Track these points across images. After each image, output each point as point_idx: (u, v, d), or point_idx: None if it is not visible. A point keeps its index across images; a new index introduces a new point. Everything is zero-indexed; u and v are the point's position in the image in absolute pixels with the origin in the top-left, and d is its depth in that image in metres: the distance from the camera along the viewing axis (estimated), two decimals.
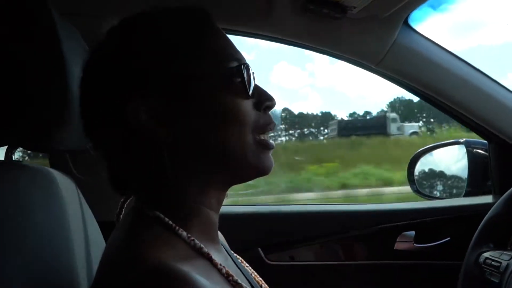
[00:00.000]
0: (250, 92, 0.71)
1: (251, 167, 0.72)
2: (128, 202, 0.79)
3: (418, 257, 1.61)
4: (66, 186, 0.97)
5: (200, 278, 0.57)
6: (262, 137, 0.73)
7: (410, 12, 1.36)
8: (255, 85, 0.73)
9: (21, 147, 0.85)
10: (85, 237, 0.98)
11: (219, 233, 0.91)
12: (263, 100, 0.74)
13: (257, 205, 1.68)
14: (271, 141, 0.74)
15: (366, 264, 1.63)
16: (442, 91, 1.52)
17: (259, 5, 1.35)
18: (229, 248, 0.87)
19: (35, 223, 0.79)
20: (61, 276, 0.82)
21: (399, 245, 1.62)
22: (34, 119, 0.77)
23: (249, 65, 0.72)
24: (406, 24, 1.42)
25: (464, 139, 1.75)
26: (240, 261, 0.86)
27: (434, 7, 1.49)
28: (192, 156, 0.69)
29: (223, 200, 0.76)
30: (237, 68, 0.70)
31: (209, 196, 0.72)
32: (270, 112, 0.76)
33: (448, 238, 1.61)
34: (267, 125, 0.73)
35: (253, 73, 0.73)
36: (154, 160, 0.68)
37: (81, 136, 0.75)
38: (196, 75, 0.69)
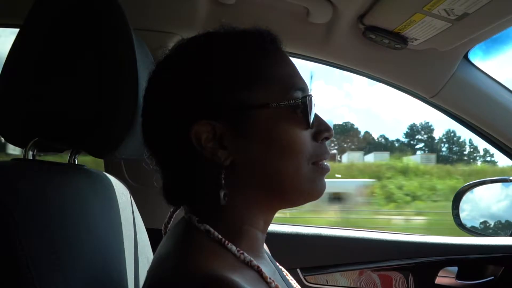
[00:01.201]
0: (311, 124, 0.72)
1: (304, 193, 0.73)
2: (177, 212, 0.82)
3: None
4: (121, 192, 1.00)
5: None
6: (321, 163, 0.73)
7: (471, 48, 1.35)
8: (316, 115, 0.73)
9: (87, 152, 0.88)
10: (135, 244, 1.00)
11: (266, 247, 0.92)
12: (322, 131, 0.74)
13: (299, 226, 1.68)
14: (326, 164, 0.75)
15: None
16: (498, 128, 1.49)
17: (319, 30, 1.37)
18: (275, 262, 0.88)
19: (93, 226, 0.82)
20: (111, 281, 0.84)
21: (440, 280, 1.58)
22: (105, 127, 0.80)
23: (312, 96, 0.73)
24: (466, 58, 1.41)
25: None
26: (285, 274, 0.87)
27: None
28: (248, 181, 0.71)
29: (271, 221, 0.77)
30: (303, 101, 0.71)
31: (258, 218, 0.73)
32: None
33: (492, 278, 1.56)
34: (323, 155, 0.74)
35: (315, 104, 0.74)
36: (210, 180, 0.70)
37: (141, 146, 0.78)
38: (260, 103, 0.69)
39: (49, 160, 0.85)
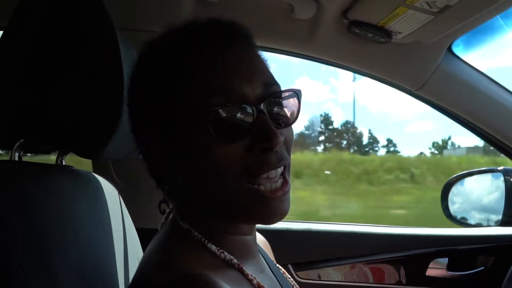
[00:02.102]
0: (232, 138, 0.63)
1: (251, 217, 0.67)
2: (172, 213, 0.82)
3: (450, 284, 1.59)
4: (109, 192, 1.00)
5: (227, 287, 0.58)
6: (255, 186, 0.64)
7: (455, 39, 1.37)
8: (250, 124, 0.64)
9: (74, 153, 0.88)
10: (124, 244, 1.00)
11: (267, 244, 0.92)
12: (258, 141, 0.64)
13: (289, 222, 1.68)
14: (267, 185, 0.65)
15: None
16: (482, 118, 1.51)
17: (304, 26, 1.38)
18: (271, 259, 0.87)
19: (82, 227, 0.82)
20: (102, 281, 0.85)
21: (431, 271, 1.60)
22: (92, 128, 0.80)
23: (242, 103, 0.63)
24: (450, 50, 1.42)
25: (502, 167, 1.72)
26: (282, 272, 0.86)
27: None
28: (192, 201, 0.71)
29: (252, 227, 0.75)
30: (215, 111, 0.62)
31: (230, 227, 0.71)
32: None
33: (483, 268, 1.58)
34: (259, 169, 0.64)
35: (254, 108, 0.64)
36: (172, 182, 0.71)
37: (128, 146, 0.78)
38: (179, 111, 0.65)
39: (38, 161, 0.85)
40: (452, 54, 1.44)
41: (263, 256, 0.82)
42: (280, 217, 0.66)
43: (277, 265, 0.87)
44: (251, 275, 0.67)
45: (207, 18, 0.70)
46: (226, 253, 0.67)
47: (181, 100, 0.65)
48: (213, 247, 0.67)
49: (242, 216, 0.67)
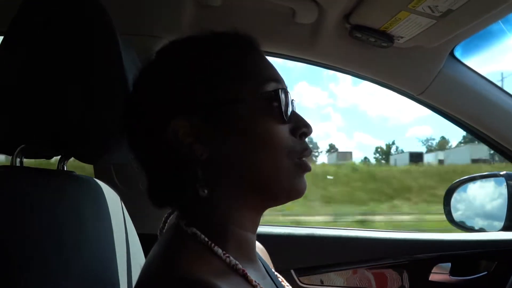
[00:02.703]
0: (287, 117, 0.72)
1: (284, 191, 0.73)
2: (171, 217, 0.81)
3: None
4: (111, 197, 1.00)
5: None
6: (302, 160, 0.73)
7: (457, 44, 1.37)
8: (293, 111, 0.74)
9: (75, 158, 0.87)
10: (127, 249, 1.00)
11: (265, 251, 0.92)
12: (300, 126, 0.74)
13: (292, 227, 1.68)
14: (309, 163, 0.74)
15: None
16: (485, 123, 1.50)
17: (305, 31, 1.38)
18: (270, 267, 0.88)
19: (83, 233, 0.82)
20: (103, 286, 0.84)
21: (434, 277, 1.59)
22: (94, 133, 0.80)
23: (288, 90, 0.74)
24: (452, 55, 1.42)
25: (505, 172, 1.71)
26: (280, 280, 0.86)
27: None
28: (227, 177, 0.71)
29: (259, 221, 0.77)
30: (275, 92, 0.71)
31: (244, 218, 0.73)
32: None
33: (485, 273, 1.57)
34: (303, 151, 0.74)
35: (292, 100, 0.75)
36: (189, 177, 0.70)
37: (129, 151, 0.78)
38: (235, 98, 0.71)
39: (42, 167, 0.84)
40: (455, 58, 1.44)
41: (262, 264, 0.82)
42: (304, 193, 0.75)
43: (275, 272, 0.87)
44: (255, 281, 0.67)
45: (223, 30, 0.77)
46: (231, 257, 0.67)
47: (235, 88, 0.71)
48: (219, 251, 0.67)
49: (280, 189, 0.73)
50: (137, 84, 0.76)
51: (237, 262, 0.67)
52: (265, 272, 0.81)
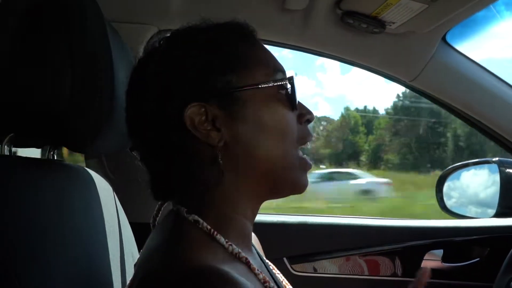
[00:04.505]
0: (295, 105, 0.74)
1: (291, 182, 0.75)
2: (165, 205, 0.81)
3: (445, 276, 1.58)
4: (103, 187, 0.99)
5: (241, 278, 0.58)
6: (304, 156, 0.76)
7: (449, 29, 1.36)
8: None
9: (64, 146, 0.87)
10: (119, 239, 1.00)
11: (257, 240, 0.92)
12: (305, 113, 0.77)
13: (284, 215, 1.68)
14: (310, 161, 0.77)
15: (390, 280, 1.61)
16: (477, 109, 1.50)
17: (296, 17, 1.37)
18: (263, 255, 0.88)
19: (75, 222, 0.81)
20: (96, 276, 0.84)
21: (426, 263, 1.60)
22: (81, 120, 0.79)
23: (293, 78, 0.75)
24: (444, 40, 1.42)
25: (497, 158, 1.71)
26: (271, 268, 0.87)
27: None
28: (239, 164, 0.71)
29: (257, 211, 0.78)
30: (289, 80, 0.74)
31: (246, 206, 0.74)
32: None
33: (478, 259, 1.58)
34: (307, 137, 0.77)
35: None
36: (202, 164, 0.70)
37: (121, 140, 0.77)
38: (249, 84, 0.71)
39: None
40: (447, 44, 1.43)
41: (257, 252, 0.83)
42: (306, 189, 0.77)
43: (267, 260, 0.87)
44: (257, 270, 0.67)
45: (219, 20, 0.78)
46: (234, 245, 0.67)
47: (249, 75, 0.72)
48: (222, 239, 0.67)
49: (287, 179, 0.74)
50: (141, 73, 0.74)
51: (239, 250, 0.67)
52: (260, 261, 0.81)
